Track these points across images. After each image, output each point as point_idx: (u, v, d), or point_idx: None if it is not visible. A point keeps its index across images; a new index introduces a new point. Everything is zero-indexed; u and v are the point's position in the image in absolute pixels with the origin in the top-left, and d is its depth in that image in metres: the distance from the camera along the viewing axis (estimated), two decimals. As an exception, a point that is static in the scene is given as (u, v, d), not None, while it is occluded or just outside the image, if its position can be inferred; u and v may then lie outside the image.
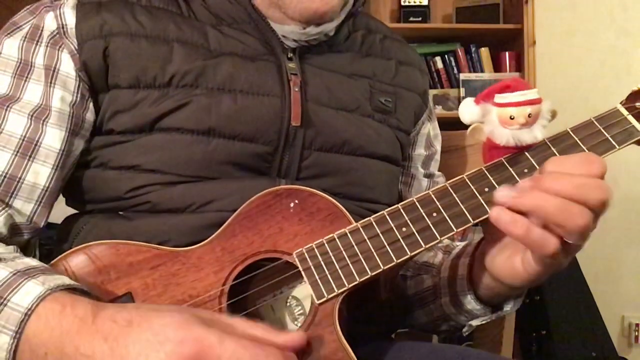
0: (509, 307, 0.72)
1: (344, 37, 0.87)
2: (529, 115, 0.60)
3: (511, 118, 0.60)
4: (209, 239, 0.65)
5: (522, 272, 0.61)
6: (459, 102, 2.57)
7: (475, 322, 0.74)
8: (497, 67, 2.61)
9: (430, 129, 0.96)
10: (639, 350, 2.62)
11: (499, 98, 0.61)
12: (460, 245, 0.80)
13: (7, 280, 0.54)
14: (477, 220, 0.60)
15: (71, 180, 0.77)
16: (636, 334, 2.61)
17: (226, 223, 0.65)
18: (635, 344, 2.62)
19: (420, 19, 2.56)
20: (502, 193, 0.56)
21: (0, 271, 0.56)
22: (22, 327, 0.51)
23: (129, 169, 0.73)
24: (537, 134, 0.60)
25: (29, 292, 0.53)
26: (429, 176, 0.97)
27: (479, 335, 1.10)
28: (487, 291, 0.69)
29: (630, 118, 0.65)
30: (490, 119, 0.61)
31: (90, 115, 0.74)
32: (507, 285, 0.65)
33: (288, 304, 0.64)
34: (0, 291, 0.54)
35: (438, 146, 0.98)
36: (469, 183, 0.62)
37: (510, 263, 0.62)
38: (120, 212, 0.74)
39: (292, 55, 0.79)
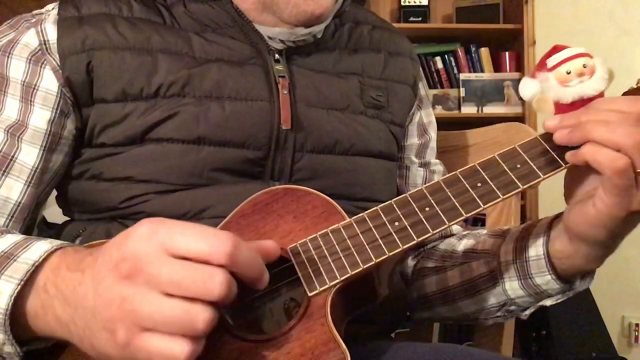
0: (578, 284, 0.71)
1: (331, 34, 0.86)
2: (584, 66, 0.61)
3: (568, 73, 0.61)
4: None
5: (594, 213, 0.60)
6: (459, 102, 2.58)
7: (548, 302, 0.74)
8: (497, 67, 2.62)
9: (422, 116, 0.95)
10: (639, 350, 2.62)
11: (551, 62, 0.63)
12: (513, 228, 0.79)
13: (19, 241, 0.58)
14: (469, 214, 0.60)
15: (65, 193, 0.78)
16: (636, 334, 2.61)
17: (223, 222, 0.65)
18: (635, 344, 2.62)
19: (420, 19, 2.57)
20: (558, 134, 0.60)
21: (14, 236, 0.60)
22: (28, 276, 0.54)
23: (122, 180, 0.73)
24: (597, 85, 0.61)
25: (38, 248, 0.56)
26: (425, 165, 0.95)
27: (479, 335, 1.10)
28: (566, 262, 0.68)
29: None
30: (550, 85, 0.62)
31: (69, 131, 0.75)
32: (584, 239, 0.64)
33: (286, 305, 0.65)
34: (12, 249, 0.57)
35: (433, 133, 0.97)
36: (462, 178, 0.62)
37: (583, 209, 0.62)
38: (118, 220, 0.74)
39: (278, 57, 0.79)
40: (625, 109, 0.56)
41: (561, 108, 0.63)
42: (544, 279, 0.70)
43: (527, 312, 0.77)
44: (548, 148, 0.62)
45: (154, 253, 0.47)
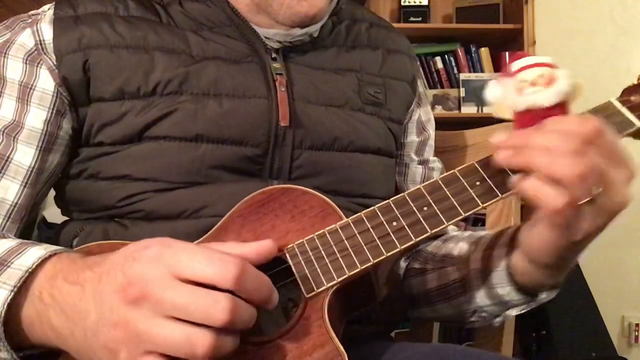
0: (544, 295, 0.70)
1: (328, 32, 0.86)
2: (540, 76, 0.60)
3: (523, 81, 0.60)
4: (202, 238, 0.65)
5: (538, 242, 0.61)
6: (459, 102, 2.57)
7: (513, 312, 0.74)
8: (497, 67, 2.61)
9: (421, 114, 0.95)
10: (639, 350, 2.61)
11: (514, 66, 0.62)
12: (487, 235, 0.79)
13: (13, 247, 0.58)
14: (468, 214, 0.60)
15: (63, 192, 0.77)
16: (636, 334, 2.60)
17: (220, 222, 0.65)
18: (635, 344, 2.61)
19: (420, 19, 2.56)
20: (500, 155, 0.58)
21: (8, 241, 0.60)
22: (22, 283, 0.54)
23: (120, 178, 0.73)
24: (551, 97, 0.60)
25: (32, 254, 0.56)
26: (423, 162, 0.95)
27: (479, 335, 1.10)
28: (524, 277, 0.68)
29: (624, 110, 0.64)
30: (509, 91, 0.62)
31: (66, 130, 0.74)
32: (534, 261, 0.64)
33: (285, 306, 0.64)
34: (5, 255, 0.57)
35: (431, 130, 0.97)
36: (460, 177, 0.61)
37: (530, 233, 0.62)
38: (116, 219, 0.74)
39: (276, 55, 0.79)
40: (574, 131, 0.54)
41: (517, 116, 0.63)
42: (505, 290, 0.71)
43: (498, 320, 0.77)
44: None
45: (161, 277, 0.48)
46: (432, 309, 0.83)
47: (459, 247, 0.82)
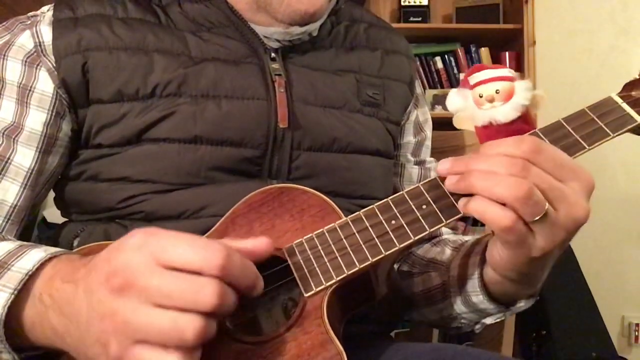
0: (522, 304, 0.70)
1: (327, 32, 0.86)
2: (497, 92, 0.60)
3: (480, 96, 0.60)
4: None
5: (498, 259, 0.61)
6: (459, 102, 2.57)
7: (488, 320, 0.74)
8: (497, 67, 2.61)
9: (418, 114, 0.95)
10: (639, 350, 2.62)
11: (471, 79, 0.62)
12: (469, 241, 0.79)
13: (13, 249, 0.59)
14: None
15: (63, 194, 0.78)
16: (636, 334, 2.60)
17: (219, 222, 0.65)
18: (635, 344, 2.61)
19: (420, 19, 2.56)
20: (448, 182, 0.58)
21: (7, 244, 0.60)
22: (22, 285, 0.54)
23: (119, 180, 0.73)
24: (509, 112, 0.60)
25: (32, 257, 0.56)
26: (420, 163, 0.96)
27: (479, 335, 1.10)
28: (496, 287, 0.68)
29: (625, 106, 0.63)
30: (469, 103, 0.62)
31: (65, 132, 0.75)
32: (501, 276, 0.64)
33: (284, 305, 0.64)
34: (5, 258, 0.57)
35: (428, 131, 0.97)
36: None
37: (491, 250, 0.62)
38: (116, 220, 0.74)
39: (275, 55, 0.79)
40: (512, 153, 0.54)
41: (479, 130, 0.63)
42: (478, 299, 0.71)
43: (478, 327, 0.76)
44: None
45: (145, 264, 0.47)
46: (418, 312, 0.83)
47: (444, 253, 0.82)
